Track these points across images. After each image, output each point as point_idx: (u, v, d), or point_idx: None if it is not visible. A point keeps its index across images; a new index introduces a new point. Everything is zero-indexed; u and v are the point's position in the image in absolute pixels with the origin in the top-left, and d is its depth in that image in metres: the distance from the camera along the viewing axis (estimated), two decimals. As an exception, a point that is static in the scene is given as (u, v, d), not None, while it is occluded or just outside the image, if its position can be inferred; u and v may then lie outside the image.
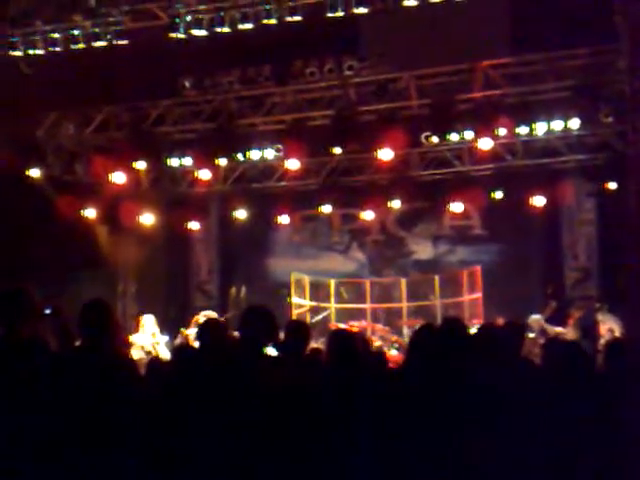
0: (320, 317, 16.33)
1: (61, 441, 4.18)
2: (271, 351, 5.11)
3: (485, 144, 13.25)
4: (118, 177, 14.65)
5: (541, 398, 4.48)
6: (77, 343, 4.86)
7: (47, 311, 5.15)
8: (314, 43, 11.69)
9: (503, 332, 5.35)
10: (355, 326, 14.63)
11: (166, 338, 12.81)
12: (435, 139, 13.49)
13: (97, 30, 10.64)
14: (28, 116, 13.67)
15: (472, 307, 15.78)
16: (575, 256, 16.02)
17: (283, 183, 16.66)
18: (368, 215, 16.66)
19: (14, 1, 10.38)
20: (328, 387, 4.57)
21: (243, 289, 16.53)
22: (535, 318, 12.98)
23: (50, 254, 13.88)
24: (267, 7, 10.00)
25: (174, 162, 15.14)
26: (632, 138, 10.42)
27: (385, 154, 13.49)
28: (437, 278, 16.60)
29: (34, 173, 14.01)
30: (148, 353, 11.84)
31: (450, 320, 5.48)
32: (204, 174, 15.09)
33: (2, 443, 4.13)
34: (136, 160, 14.32)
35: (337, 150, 14.03)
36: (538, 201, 14.99)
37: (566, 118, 12.94)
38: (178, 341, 12.54)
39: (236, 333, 4.93)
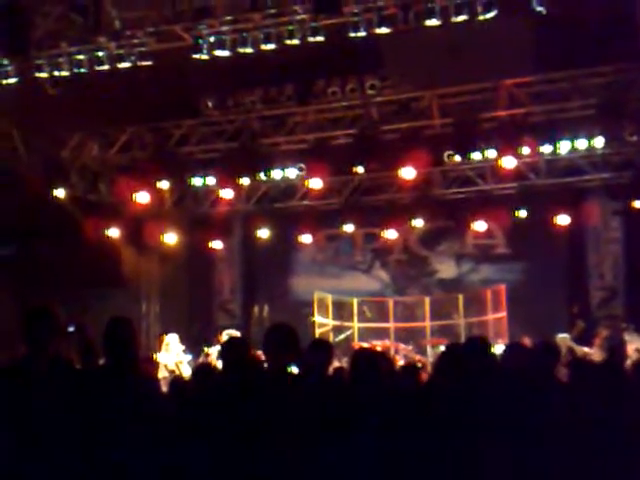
0: (343, 336, 16.28)
1: (86, 456, 4.18)
2: (294, 370, 5.09)
3: (509, 163, 13.19)
4: (142, 197, 14.75)
5: (569, 421, 4.41)
6: (101, 361, 4.87)
7: (71, 329, 5.16)
8: (336, 63, 11.73)
9: (536, 353, 5.26)
10: (378, 345, 14.55)
11: (189, 357, 12.81)
12: (458, 158, 13.46)
13: (121, 52, 10.72)
14: (53, 137, 13.82)
15: (496, 326, 15.65)
16: (601, 275, 15.87)
17: (305, 202, 16.68)
18: (391, 234, 16.61)
19: (40, 23, 10.51)
20: (352, 406, 4.54)
21: (266, 308, 16.54)
22: (562, 337, 12.83)
23: (74, 273, 13.97)
24: (289, 27, 10.04)
25: (197, 182, 15.22)
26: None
27: (407, 173, 13.48)
28: (461, 297, 16.50)
29: (59, 193, 14.13)
30: (171, 372, 11.85)
31: (474, 339, 5.43)
32: (227, 193, 15.15)
33: (27, 459, 4.13)
34: (159, 180, 14.42)
35: (359, 169, 14.05)
36: (562, 220, 14.89)
37: (590, 136, 12.86)
38: (201, 360, 12.54)
39: (259, 352, 4.91)
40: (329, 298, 16.90)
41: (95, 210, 15.09)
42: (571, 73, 12.26)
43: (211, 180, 15.10)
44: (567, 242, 15.74)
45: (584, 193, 15.42)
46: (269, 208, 16.96)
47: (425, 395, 4.99)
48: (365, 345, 13.79)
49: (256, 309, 16.83)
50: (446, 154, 13.41)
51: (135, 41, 10.72)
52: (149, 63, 10.72)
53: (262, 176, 14.73)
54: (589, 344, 13.02)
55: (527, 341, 10.42)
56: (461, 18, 9.39)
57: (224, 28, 10.27)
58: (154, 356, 11.81)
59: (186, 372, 11.74)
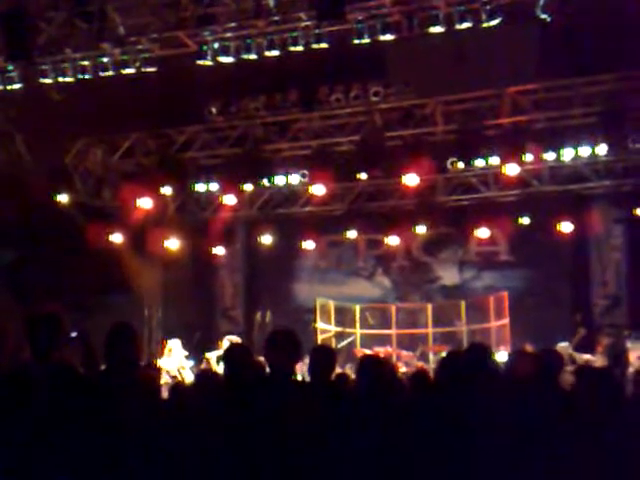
0: (345, 342, 16.27)
1: (86, 462, 4.18)
2: (297, 375, 5.09)
3: (512, 170, 13.20)
4: (145, 203, 14.76)
5: (571, 428, 4.40)
6: (102, 366, 4.87)
7: (73, 334, 5.16)
8: (340, 70, 11.76)
9: (539, 361, 5.25)
10: (380, 352, 14.54)
11: (192, 363, 12.82)
12: (461, 165, 13.47)
13: (126, 58, 10.75)
14: (57, 142, 13.84)
15: (499, 333, 15.63)
16: (604, 283, 15.84)
17: (308, 208, 16.68)
18: (393, 240, 16.61)
19: (44, 29, 10.53)
20: (358, 414, 4.53)
21: (268, 314, 16.53)
22: (563, 346, 12.82)
23: (77, 278, 13.98)
24: (293, 34, 10.06)
25: (200, 187, 15.26)
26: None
27: (411, 180, 13.48)
28: (463, 304, 16.49)
29: (62, 198, 14.15)
30: (173, 377, 11.86)
31: (476, 346, 5.43)
32: (230, 199, 15.16)
33: (29, 467, 4.13)
34: (163, 186, 14.43)
35: (363, 176, 14.06)
36: (565, 227, 14.90)
37: (593, 144, 12.87)
38: (203, 366, 12.55)
39: (262, 358, 4.91)
40: (331, 304, 16.89)
41: (98, 215, 15.11)
42: (574, 81, 12.28)
43: (214, 186, 15.13)
44: (570, 249, 15.73)
45: (587, 200, 15.42)
46: (272, 214, 16.96)
47: (427, 403, 4.98)
48: (367, 352, 13.77)
49: (258, 315, 16.83)
50: (449, 161, 13.42)
51: (139, 47, 10.74)
52: (153, 69, 10.74)
53: (265, 182, 14.75)
54: (592, 351, 13.01)
55: (530, 348, 10.42)
56: (465, 25, 9.41)
57: (228, 34, 10.29)
58: (156, 362, 11.82)
59: (188, 378, 11.75)
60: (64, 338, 4.68)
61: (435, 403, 4.79)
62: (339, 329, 16.70)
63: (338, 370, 9.04)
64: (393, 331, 16.75)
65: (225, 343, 12.30)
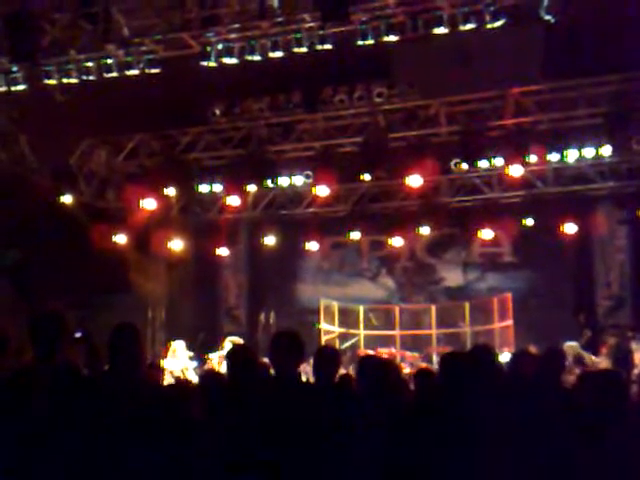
0: (349, 344, 16.27)
1: (89, 463, 4.18)
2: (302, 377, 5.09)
3: (516, 171, 13.19)
4: (148, 203, 14.78)
5: (574, 428, 4.39)
6: (106, 367, 4.88)
7: (77, 335, 5.18)
8: (344, 71, 11.76)
9: (542, 360, 5.23)
10: (384, 353, 14.54)
11: (195, 364, 12.82)
12: (465, 166, 13.47)
13: (130, 59, 10.76)
14: (61, 143, 13.87)
15: (503, 334, 15.62)
16: (608, 284, 15.82)
17: (312, 209, 16.69)
18: (397, 242, 16.60)
19: (49, 31, 10.55)
20: (361, 414, 4.53)
21: (272, 315, 16.53)
22: (571, 345, 12.79)
23: (81, 279, 14.00)
24: (297, 35, 10.06)
25: (204, 188, 15.27)
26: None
27: (414, 181, 13.48)
28: (467, 305, 16.48)
29: (66, 199, 14.17)
30: (177, 378, 11.84)
31: (480, 348, 5.42)
32: (233, 200, 15.17)
33: (32, 464, 4.14)
34: (166, 187, 14.44)
35: (366, 177, 14.06)
36: (569, 228, 14.88)
37: (598, 145, 12.86)
38: (207, 367, 12.55)
39: (266, 359, 4.91)
40: (335, 305, 16.89)
41: (102, 216, 15.14)
42: (578, 82, 12.28)
43: (218, 187, 15.15)
44: (574, 251, 15.71)
45: (591, 202, 15.41)
46: (275, 215, 16.97)
47: (430, 404, 4.98)
48: (371, 352, 13.77)
49: (262, 316, 16.83)
50: (453, 162, 13.42)
51: (143, 49, 10.75)
52: (157, 70, 10.75)
53: (269, 183, 14.75)
54: (596, 353, 12.99)
55: (533, 350, 10.40)
56: (469, 26, 9.40)
57: (232, 36, 10.29)
58: (160, 362, 11.82)
59: (192, 379, 11.75)
60: (68, 338, 4.68)
61: (438, 404, 4.78)
62: (343, 330, 16.72)
63: (342, 371, 9.05)
64: (397, 332, 16.75)
65: (227, 344, 12.31)
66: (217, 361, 12.28)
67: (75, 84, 11.09)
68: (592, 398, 4.37)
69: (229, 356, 5.22)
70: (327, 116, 13.69)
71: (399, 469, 4.30)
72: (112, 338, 4.65)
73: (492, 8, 9.28)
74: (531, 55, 9.91)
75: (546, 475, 4.18)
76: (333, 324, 16.67)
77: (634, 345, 12.62)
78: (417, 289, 17.70)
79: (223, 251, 17.31)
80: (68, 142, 14.21)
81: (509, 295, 15.84)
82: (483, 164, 13.48)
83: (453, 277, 17.43)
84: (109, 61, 10.82)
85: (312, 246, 16.95)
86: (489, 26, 9.33)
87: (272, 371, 4.80)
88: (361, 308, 17.08)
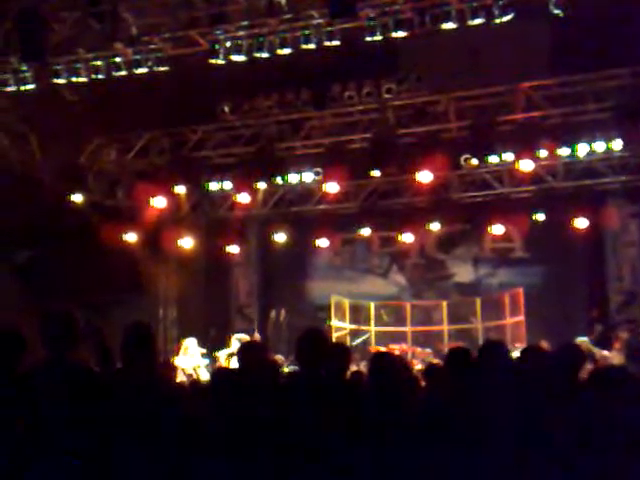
0: (360, 340, 16.26)
1: (101, 461, 4.19)
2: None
3: (526, 166, 13.14)
4: (159, 202, 14.79)
5: (585, 424, 4.37)
6: (118, 365, 4.89)
7: (88, 331, 5.18)
8: (352, 67, 11.75)
9: (557, 356, 5.18)
10: (396, 349, 14.53)
11: (207, 361, 12.84)
12: (475, 161, 13.42)
13: (138, 57, 10.78)
14: (71, 142, 13.90)
15: (515, 330, 15.56)
16: (620, 278, 15.75)
17: (322, 206, 16.68)
18: (407, 238, 16.57)
19: (57, 30, 10.57)
20: (370, 410, 4.52)
21: (283, 312, 16.54)
22: (582, 340, 12.74)
23: (91, 278, 14.04)
24: (305, 32, 10.05)
25: (214, 186, 15.28)
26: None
27: (424, 177, 13.44)
28: (478, 301, 16.44)
29: (76, 198, 14.21)
30: (189, 376, 11.89)
31: (491, 343, 5.40)
32: (243, 198, 15.17)
33: (45, 462, 4.16)
34: (176, 185, 14.46)
35: (376, 173, 14.03)
36: (581, 223, 14.81)
37: (608, 139, 12.79)
38: (217, 364, 12.58)
39: (278, 356, 4.91)
40: (346, 302, 16.88)
41: (112, 215, 15.16)
42: (588, 76, 12.21)
43: (228, 185, 15.16)
44: (585, 245, 15.63)
45: (602, 196, 15.34)
46: (286, 212, 16.97)
47: (441, 400, 4.97)
48: (382, 349, 13.76)
49: (273, 313, 16.84)
50: (463, 157, 13.37)
51: (152, 47, 10.77)
52: (166, 68, 10.77)
53: (279, 180, 14.76)
54: (609, 348, 12.93)
55: (545, 345, 10.36)
56: (478, 21, 9.36)
57: (240, 33, 10.29)
58: (172, 360, 11.85)
59: (204, 376, 11.78)
60: (80, 337, 4.69)
61: (449, 400, 4.77)
62: (354, 327, 16.70)
63: (353, 367, 9.04)
64: (408, 328, 16.72)
65: (234, 342, 12.32)
66: (225, 359, 12.29)
67: (84, 83, 11.11)
68: (601, 394, 4.36)
69: (240, 353, 5.22)
70: (336, 113, 13.67)
71: (409, 465, 4.29)
72: (125, 337, 4.66)
73: (501, 2, 9.24)
74: (540, 49, 9.89)
75: (558, 470, 4.17)
76: (344, 321, 16.66)
77: (646, 340, 12.55)
78: (428, 285, 17.67)
79: (233, 249, 17.31)
80: (78, 141, 14.24)
81: (521, 290, 15.78)
82: (493, 159, 13.42)
83: (464, 273, 17.38)
84: (118, 60, 10.84)
85: (322, 243, 16.94)
86: (498, 21, 9.28)
87: (284, 369, 4.80)
88: (372, 304, 17.06)
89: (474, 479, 4.19)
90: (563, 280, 15.86)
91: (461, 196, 16.07)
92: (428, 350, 15.52)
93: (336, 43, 9.99)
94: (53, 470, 4.13)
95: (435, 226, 15.91)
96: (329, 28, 9.94)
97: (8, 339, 4.46)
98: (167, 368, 8.87)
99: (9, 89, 11.48)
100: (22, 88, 11.39)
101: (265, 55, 10.19)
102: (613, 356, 12.54)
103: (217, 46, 10.36)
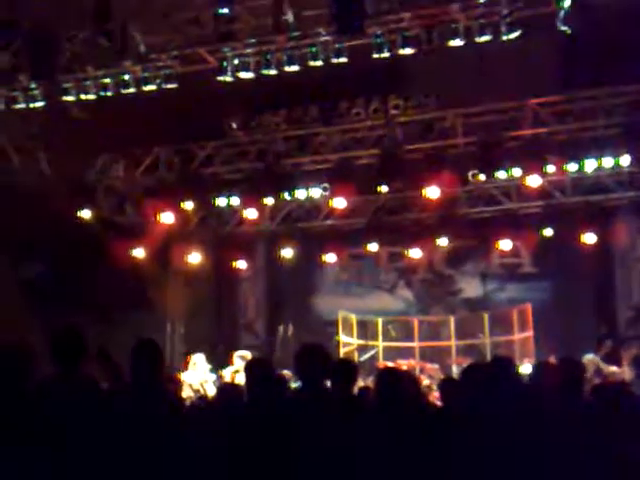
0: (368, 355, 16.22)
1: (109, 475, 4.20)
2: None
3: (534, 181, 13.14)
4: (167, 217, 14.84)
5: (590, 441, 4.36)
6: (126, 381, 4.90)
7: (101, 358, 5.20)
8: (360, 84, 11.79)
9: (560, 370, 5.18)
10: (403, 364, 14.48)
11: (214, 377, 12.82)
12: (482, 177, 13.43)
13: (147, 75, 10.85)
14: (80, 159, 13.97)
15: (523, 346, 15.50)
16: (628, 294, 15.68)
17: (330, 222, 16.70)
18: (415, 253, 16.56)
19: (66, 48, 10.66)
20: (374, 427, 4.52)
21: (290, 328, 16.53)
22: (590, 357, 12.67)
23: (100, 293, 14.07)
24: (313, 49, 10.10)
25: (221, 202, 15.32)
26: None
27: (432, 192, 13.46)
28: (486, 316, 16.39)
29: (85, 214, 14.26)
30: (196, 391, 11.86)
31: (500, 359, 5.39)
32: (251, 213, 15.20)
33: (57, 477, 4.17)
34: (184, 200, 14.50)
35: (384, 189, 14.05)
36: (589, 238, 14.78)
37: (616, 155, 12.78)
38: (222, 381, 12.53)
39: (285, 371, 4.92)
40: (353, 317, 16.85)
41: (121, 231, 15.20)
42: (595, 92, 12.23)
43: (235, 200, 15.19)
44: (594, 261, 15.57)
45: (611, 211, 15.30)
46: (293, 228, 16.98)
47: (447, 417, 4.96)
48: (390, 364, 13.72)
49: (281, 329, 16.83)
50: (471, 173, 13.38)
51: (160, 64, 10.84)
52: (174, 86, 10.83)
53: (286, 196, 14.78)
54: (617, 363, 12.87)
55: (553, 361, 10.32)
56: (485, 38, 9.40)
57: (248, 50, 10.35)
58: (178, 375, 11.84)
59: (210, 392, 11.75)
60: (88, 353, 4.72)
61: (458, 415, 4.76)
62: (361, 342, 16.66)
63: (361, 383, 9.02)
64: (416, 344, 16.67)
65: (236, 359, 12.29)
66: (230, 377, 12.25)
67: (93, 100, 11.19)
68: (608, 410, 4.35)
69: (247, 369, 5.23)
70: (343, 129, 13.71)
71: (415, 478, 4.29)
72: (133, 354, 4.68)
73: (508, 19, 9.27)
74: (548, 66, 9.90)
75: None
76: (351, 336, 16.63)
77: (655, 356, 12.46)
78: (436, 300, 17.63)
79: (241, 264, 17.33)
80: (86, 157, 14.31)
81: (529, 306, 15.74)
82: (501, 175, 13.43)
83: (472, 288, 17.34)
84: (126, 77, 10.93)
85: (330, 258, 16.94)
86: (505, 38, 9.32)
87: (292, 384, 4.81)
88: (379, 320, 17.02)
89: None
90: (571, 295, 15.80)
91: (469, 212, 16.07)
92: (436, 366, 15.46)
93: (343, 60, 10.03)
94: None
95: (443, 241, 15.90)
96: (336, 45, 9.99)
97: (17, 354, 4.48)
98: (173, 384, 8.87)
99: (18, 106, 11.57)
100: (31, 105, 11.47)
101: (273, 72, 10.25)
102: (622, 372, 12.47)
103: (225, 63, 10.42)
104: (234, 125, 13.54)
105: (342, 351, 15.88)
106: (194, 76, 10.90)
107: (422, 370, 15.10)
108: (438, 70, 10.63)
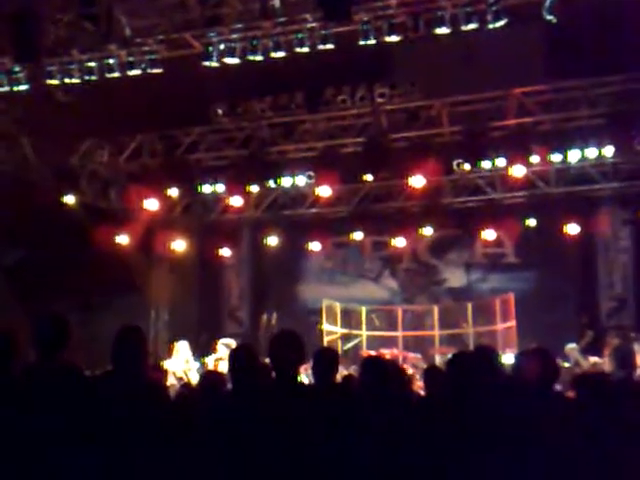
0: (351, 344, 16.25)
1: (91, 464, 4.18)
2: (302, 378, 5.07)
3: (518, 171, 13.17)
4: (151, 204, 14.77)
5: (570, 431, 4.38)
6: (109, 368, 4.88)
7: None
8: (346, 71, 11.76)
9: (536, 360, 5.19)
10: (387, 354, 14.52)
11: (198, 364, 12.80)
12: (467, 166, 13.44)
13: (132, 59, 10.77)
14: (63, 144, 13.87)
15: (506, 335, 15.58)
16: (611, 285, 15.79)
17: (314, 210, 16.69)
18: (400, 242, 16.59)
19: (51, 31, 10.56)
20: (359, 414, 4.52)
21: (274, 315, 16.52)
22: (571, 347, 12.77)
23: (83, 280, 14.00)
24: (299, 35, 10.05)
25: (206, 189, 15.24)
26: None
27: (417, 181, 13.47)
28: (470, 306, 16.45)
29: (68, 200, 14.17)
30: (179, 379, 11.84)
31: (483, 349, 5.40)
32: (236, 201, 15.17)
33: (37, 464, 4.15)
34: (169, 187, 14.44)
35: (368, 177, 14.05)
36: (572, 229, 14.85)
37: (600, 145, 12.82)
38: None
39: (267, 360, 4.89)
40: (338, 306, 16.87)
41: (105, 217, 15.12)
42: (581, 82, 12.25)
43: (220, 187, 15.12)
44: (577, 251, 15.68)
45: (594, 202, 15.39)
46: (278, 216, 16.97)
47: (431, 405, 4.97)
48: (373, 353, 13.75)
49: (264, 317, 16.81)
50: (455, 162, 13.38)
51: (145, 49, 10.76)
52: (159, 70, 10.75)
53: (271, 184, 14.74)
54: (599, 354, 12.95)
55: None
56: (471, 26, 9.38)
57: (234, 36, 10.29)
58: (162, 363, 11.81)
59: (194, 379, 11.74)
60: (70, 339, 4.68)
61: (440, 405, 4.77)
62: (345, 331, 16.69)
63: (344, 372, 9.04)
64: (399, 333, 16.72)
65: (220, 347, 12.27)
66: (213, 364, 12.24)
67: (77, 84, 11.09)
68: (585, 400, 4.37)
69: (231, 357, 5.21)
70: (329, 116, 13.69)
71: (401, 469, 4.29)
72: (116, 340, 4.65)
73: (494, 8, 9.26)
74: (533, 55, 9.91)
75: (546, 475, 4.17)
76: (335, 325, 16.66)
77: (637, 347, 12.56)
78: (420, 290, 17.68)
79: (226, 251, 17.30)
80: (70, 142, 14.21)
81: (512, 296, 15.80)
82: (486, 164, 13.44)
83: (456, 278, 17.40)
84: (111, 61, 10.83)
85: (314, 246, 16.95)
86: (491, 26, 9.30)
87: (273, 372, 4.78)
88: (364, 309, 17.06)
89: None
90: (554, 286, 15.89)
91: (453, 201, 16.11)
92: (419, 355, 15.51)
93: (330, 47, 9.99)
94: (45, 471, 4.12)
95: (427, 231, 15.93)
96: (323, 32, 9.94)
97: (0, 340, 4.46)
98: (157, 372, 8.84)
99: (2, 90, 11.45)
100: (15, 89, 11.36)
101: (259, 58, 10.19)
102: (603, 362, 12.55)
103: (211, 49, 10.34)
104: (219, 111, 13.48)
105: (326, 340, 15.90)
106: (179, 61, 10.82)
107: (405, 359, 15.13)
108: (424, 58, 10.61)
